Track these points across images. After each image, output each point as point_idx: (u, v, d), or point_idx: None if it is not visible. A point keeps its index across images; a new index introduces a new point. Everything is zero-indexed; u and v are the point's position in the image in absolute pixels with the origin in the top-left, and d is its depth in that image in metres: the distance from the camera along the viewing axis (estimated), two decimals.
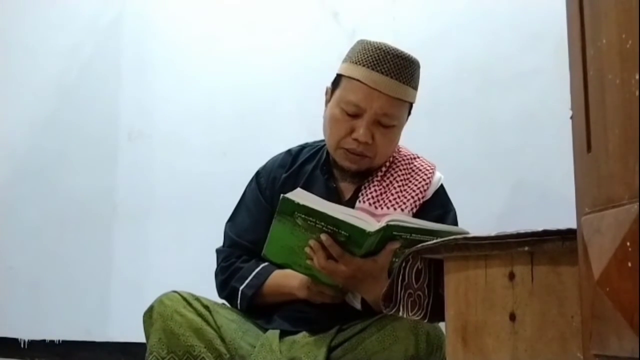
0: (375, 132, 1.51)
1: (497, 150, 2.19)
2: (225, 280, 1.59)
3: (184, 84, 2.63)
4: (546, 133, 2.10)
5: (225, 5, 2.61)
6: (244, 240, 1.61)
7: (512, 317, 0.85)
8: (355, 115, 1.51)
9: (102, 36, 2.75)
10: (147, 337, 1.45)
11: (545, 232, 0.83)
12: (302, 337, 1.46)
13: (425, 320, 1.05)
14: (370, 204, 1.53)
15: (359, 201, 1.55)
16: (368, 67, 1.49)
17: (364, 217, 1.34)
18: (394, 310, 1.03)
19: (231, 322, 1.49)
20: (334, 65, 1.60)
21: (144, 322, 1.46)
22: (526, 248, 0.84)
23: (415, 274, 1.03)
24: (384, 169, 1.58)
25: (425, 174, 1.58)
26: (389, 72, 1.48)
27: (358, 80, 1.50)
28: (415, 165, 1.60)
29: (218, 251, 1.65)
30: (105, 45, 2.74)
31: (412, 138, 1.66)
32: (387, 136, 1.53)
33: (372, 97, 1.48)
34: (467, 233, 1.16)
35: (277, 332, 1.48)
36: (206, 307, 1.48)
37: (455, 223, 1.57)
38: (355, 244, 1.34)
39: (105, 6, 2.75)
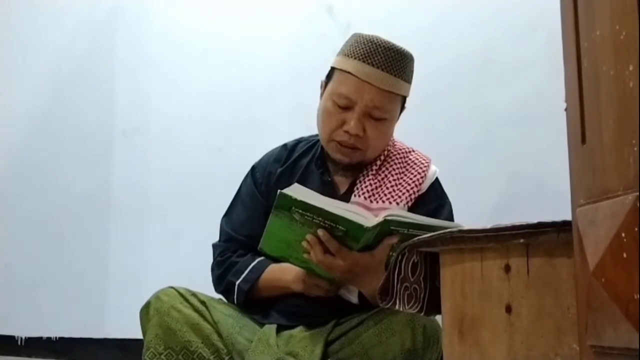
0: (366, 125, 1.51)
1: (491, 143, 2.20)
2: (222, 275, 1.59)
3: (178, 79, 2.63)
4: (541, 125, 2.10)
5: (220, 0, 2.61)
6: (239, 234, 1.61)
7: (508, 309, 0.85)
8: (346, 108, 1.51)
9: (96, 32, 2.74)
10: (144, 333, 1.45)
11: (541, 224, 0.83)
12: (299, 331, 1.46)
13: (422, 313, 1.06)
14: (365, 198, 1.53)
15: (354, 195, 1.55)
16: (359, 59, 1.49)
17: (361, 212, 1.34)
18: (390, 304, 1.03)
19: (228, 317, 1.49)
20: (328, 59, 1.60)
21: (141, 318, 1.46)
22: (521, 240, 0.84)
23: (411, 267, 1.03)
24: (378, 162, 1.58)
25: (421, 168, 1.58)
26: (380, 65, 1.48)
27: (349, 72, 1.50)
28: (410, 159, 1.60)
29: (214, 246, 1.65)
30: (99, 41, 2.74)
31: (406, 131, 1.66)
32: (378, 129, 1.53)
33: (363, 89, 1.48)
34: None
35: (274, 326, 1.48)
36: (203, 303, 1.48)
37: (451, 216, 1.57)
38: (352, 238, 1.34)
39: (100, 1, 2.74)
